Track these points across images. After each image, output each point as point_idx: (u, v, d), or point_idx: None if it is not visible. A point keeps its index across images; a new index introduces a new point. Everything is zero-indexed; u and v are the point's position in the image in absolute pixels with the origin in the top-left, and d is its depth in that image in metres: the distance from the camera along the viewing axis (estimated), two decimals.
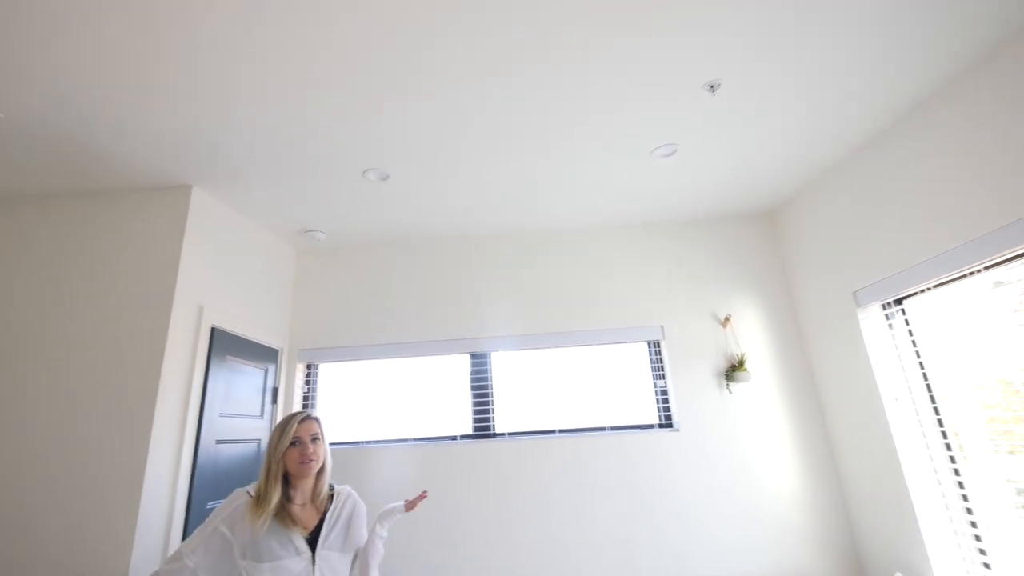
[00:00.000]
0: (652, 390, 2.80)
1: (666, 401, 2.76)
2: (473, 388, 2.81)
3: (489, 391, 2.80)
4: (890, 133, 2.14)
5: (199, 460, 2.05)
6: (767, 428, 2.65)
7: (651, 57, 1.64)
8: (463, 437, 2.73)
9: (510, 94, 1.77)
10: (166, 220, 2.14)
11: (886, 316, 2.32)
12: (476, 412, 2.77)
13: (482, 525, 2.54)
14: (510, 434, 2.73)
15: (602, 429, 2.72)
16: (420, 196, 2.45)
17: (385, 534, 1.60)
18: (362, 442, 2.74)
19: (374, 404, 2.83)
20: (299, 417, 1.56)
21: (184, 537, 1.93)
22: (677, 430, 2.66)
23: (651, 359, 2.85)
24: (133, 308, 2.02)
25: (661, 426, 2.72)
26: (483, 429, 2.74)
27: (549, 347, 2.84)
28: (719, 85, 1.79)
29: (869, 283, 2.29)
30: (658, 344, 2.86)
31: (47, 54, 1.48)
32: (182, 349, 2.05)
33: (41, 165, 2.00)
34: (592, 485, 2.58)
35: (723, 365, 2.75)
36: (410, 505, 1.65)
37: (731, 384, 2.71)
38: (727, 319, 2.79)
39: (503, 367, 2.85)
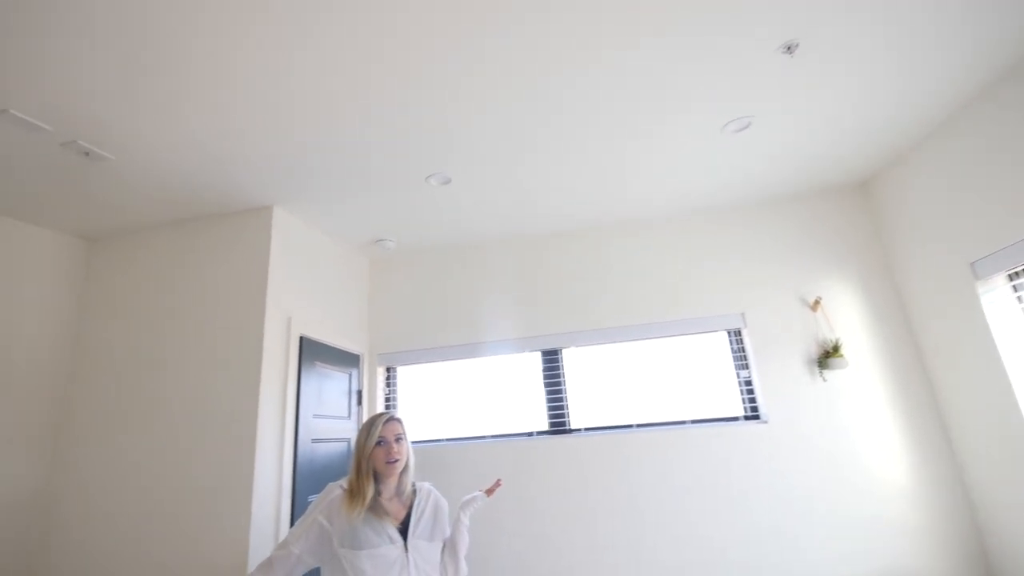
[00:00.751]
0: (735, 380, 2.65)
1: (751, 392, 2.60)
2: (546, 385, 2.81)
3: (562, 387, 2.78)
4: (1009, 80, 1.85)
5: (298, 458, 2.21)
6: (869, 418, 2.41)
7: (719, 21, 1.53)
8: (539, 433, 2.74)
9: (569, 91, 1.72)
10: (253, 240, 2.32)
11: (1014, 288, 2.02)
12: (551, 408, 2.76)
13: (562, 518, 2.54)
14: (586, 429, 2.70)
15: (682, 423, 2.61)
16: (482, 197, 2.46)
17: (468, 522, 1.72)
18: (441, 440, 2.83)
19: (451, 403, 2.91)
20: (383, 419, 1.67)
21: (291, 526, 2.10)
22: (765, 422, 2.50)
23: (732, 348, 2.69)
24: (231, 323, 2.22)
25: (747, 418, 2.57)
26: (558, 425, 2.73)
27: (622, 341, 2.77)
28: (796, 46, 1.63)
29: (990, 252, 2.01)
30: (739, 333, 2.69)
31: (152, 100, 1.64)
32: (276, 357, 2.22)
33: (142, 200, 2.23)
34: (674, 480, 2.49)
35: (815, 352, 2.54)
36: (489, 492, 1.77)
37: (825, 372, 2.49)
38: (817, 302, 2.57)
39: (576, 363, 2.82)
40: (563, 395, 2.77)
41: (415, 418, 2.94)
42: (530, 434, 2.75)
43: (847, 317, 2.55)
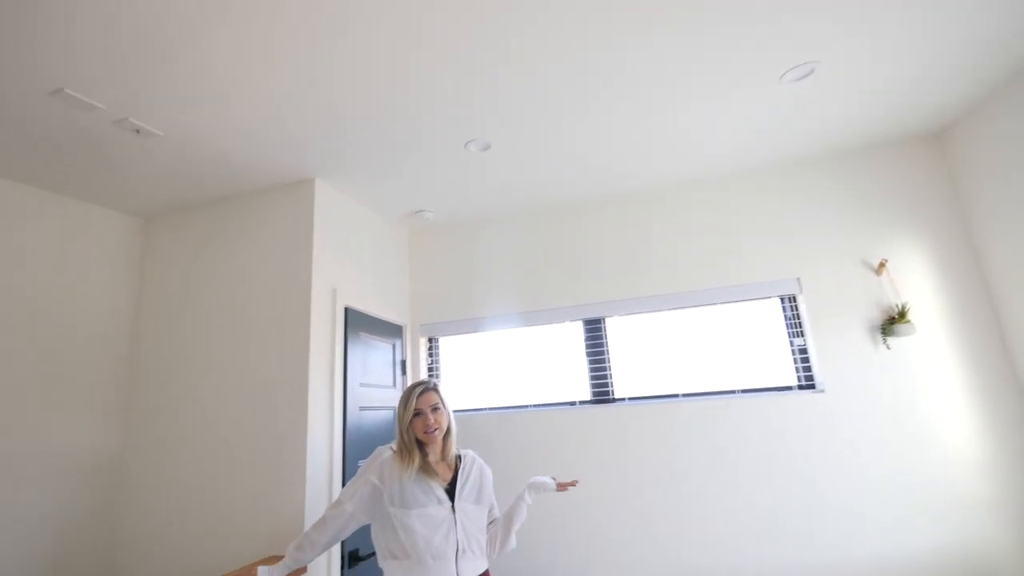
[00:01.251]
0: (789, 349, 2.52)
1: (806, 360, 2.47)
2: (589, 354, 2.76)
3: (606, 357, 2.73)
4: None
5: (347, 424, 2.28)
6: (938, 387, 2.25)
7: None
8: (582, 403, 2.71)
9: (626, 52, 1.62)
10: (297, 213, 2.35)
11: None
12: (593, 378, 2.73)
13: (604, 488, 2.52)
14: (630, 399, 2.65)
15: (731, 392, 2.52)
16: (521, 163, 2.39)
17: (530, 501, 1.73)
18: (484, 409, 2.85)
19: (493, 373, 2.92)
20: (418, 390, 1.70)
21: (342, 488, 2.17)
22: (821, 391, 2.38)
23: (786, 315, 2.56)
24: (279, 295, 2.27)
25: (801, 387, 2.45)
26: (602, 395, 2.70)
27: (668, 309, 2.68)
28: None
29: None
30: (794, 299, 2.55)
31: (194, 75, 1.66)
32: (323, 328, 2.27)
33: (190, 177, 2.29)
34: (722, 450, 2.42)
35: (878, 318, 2.37)
36: (561, 487, 1.74)
37: (889, 339, 2.33)
38: (882, 265, 2.39)
39: (619, 332, 2.76)
40: (606, 365, 2.72)
41: (457, 388, 2.97)
42: (572, 403, 2.73)
43: (916, 281, 2.36)
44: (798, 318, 2.52)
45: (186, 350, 2.38)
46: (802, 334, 2.50)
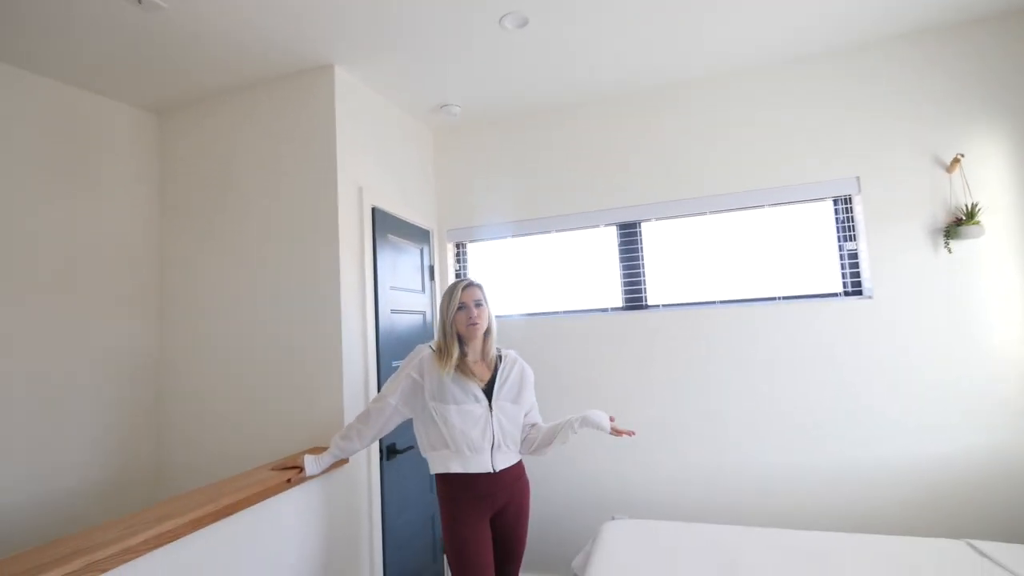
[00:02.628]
0: (836, 254, 2.36)
1: (855, 266, 2.32)
2: (623, 260, 2.64)
3: (640, 262, 2.60)
4: None
5: (380, 327, 2.25)
6: (997, 292, 2.10)
7: None
8: (614, 309, 2.63)
9: None
10: (317, 104, 2.15)
11: None
12: (627, 284, 2.62)
13: (636, 394, 2.51)
14: (664, 306, 2.56)
15: (772, 299, 2.41)
16: (559, 43, 2.12)
17: (579, 431, 1.67)
18: (513, 315, 2.80)
19: (523, 279, 2.83)
20: (463, 284, 1.69)
21: (378, 387, 2.19)
22: (869, 297, 2.25)
23: (838, 218, 2.36)
24: (306, 193, 2.14)
25: (847, 294, 2.32)
26: (635, 301, 2.60)
27: (708, 213, 2.50)
28: None
29: None
30: (849, 200, 2.34)
31: None
32: (351, 228, 2.16)
33: (202, 61, 2.07)
34: (759, 357, 2.35)
35: (942, 219, 2.18)
36: (616, 431, 1.66)
37: (951, 242, 2.15)
38: (956, 161, 2.15)
39: (655, 237, 2.61)
40: (640, 270, 2.60)
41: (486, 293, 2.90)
42: (604, 310, 2.65)
43: (992, 178, 2.13)
44: (851, 221, 2.33)
45: (215, 248, 2.30)
46: (854, 238, 2.32)
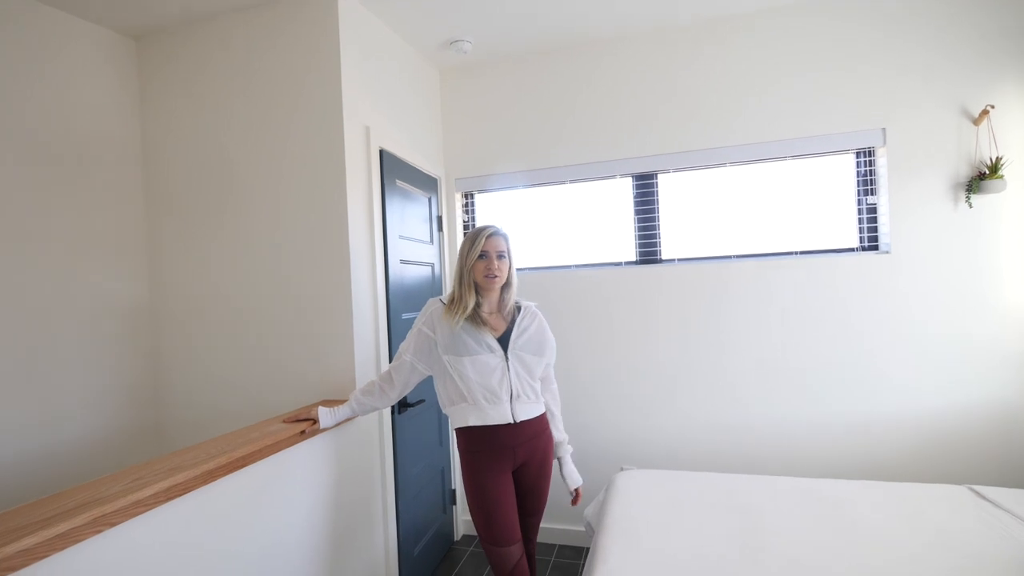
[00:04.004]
0: (855, 208, 2.29)
1: (873, 220, 2.25)
2: (638, 213, 2.52)
3: (656, 215, 2.49)
4: None
5: (390, 277, 2.10)
6: (1014, 248, 2.07)
7: None
8: (627, 263, 2.54)
9: None
10: (320, 31, 1.92)
11: None
12: (641, 238, 2.52)
13: (648, 346, 2.45)
14: (679, 260, 2.47)
15: (789, 254, 2.34)
16: None
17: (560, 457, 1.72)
18: (523, 268, 2.68)
19: (533, 232, 2.70)
20: (488, 232, 1.54)
21: (390, 341, 2.07)
22: (887, 252, 2.20)
23: (859, 171, 2.28)
24: (309, 129, 1.94)
25: (864, 249, 2.26)
26: (649, 255, 2.51)
27: (726, 164, 2.39)
28: None
29: None
30: (871, 153, 2.25)
31: None
32: (359, 171, 1.98)
33: None
34: (774, 313, 2.30)
35: (965, 173, 2.11)
36: (574, 501, 1.73)
37: (973, 196, 2.09)
38: (984, 112, 2.06)
39: (671, 190, 2.49)
40: (656, 224, 2.49)
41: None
42: (618, 264, 2.55)
43: (1019, 132, 2.06)
44: (872, 174, 2.25)
45: (209, 188, 2.09)
46: (874, 192, 2.25)
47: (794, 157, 2.31)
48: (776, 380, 2.30)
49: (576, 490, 1.71)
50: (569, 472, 1.72)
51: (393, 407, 2.08)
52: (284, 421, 1.63)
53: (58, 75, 1.94)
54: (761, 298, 2.32)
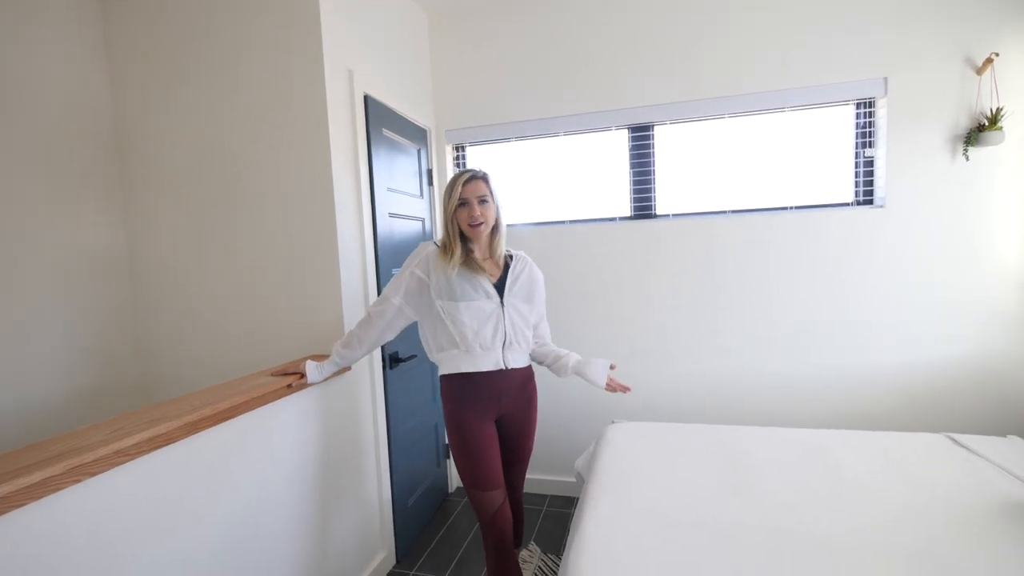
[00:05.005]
0: (852, 162, 2.23)
1: (869, 175, 2.20)
2: (633, 166, 2.43)
3: (651, 169, 2.41)
4: None
5: (378, 231, 2.01)
6: (1008, 203, 2.04)
7: None
8: (622, 219, 2.47)
9: None
10: None
11: None
12: (636, 193, 2.44)
13: (642, 302, 2.42)
14: (674, 215, 2.41)
15: (783, 209, 2.29)
16: None
17: (568, 375, 1.63)
18: (516, 224, 2.60)
19: (527, 186, 2.60)
20: (464, 178, 1.47)
21: (378, 295, 2.00)
22: (881, 207, 2.15)
23: (858, 123, 2.21)
24: (289, 72, 1.79)
25: (860, 203, 2.22)
26: (643, 210, 2.44)
27: (724, 116, 2.29)
28: None
29: None
30: (871, 104, 2.17)
31: None
32: (342, 116, 1.85)
33: None
34: (766, 268, 2.27)
35: (964, 125, 2.05)
36: (610, 387, 1.59)
37: (970, 149, 2.04)
38: (988, 61, 1.98)
39: (668, 141, 2.40)
40: (651, 178, 2.41)
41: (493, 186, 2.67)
42: (612, 219, 2.48)
43: (1022, 81, 1.99)
44: (871, 126, 2.18)
45: (183, 138, 1.95)
46: (872, 144, 2.19)
47: (793, 108, 2.22)
48: (767, 334, 2.29)
49: (609, 378, 1.58)
50: (593, 371, 1.56)
51: (384, 362, 2.03)
52: (272, 374, 1.58)
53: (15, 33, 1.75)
54: (754, 254, 2.28)
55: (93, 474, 1.03)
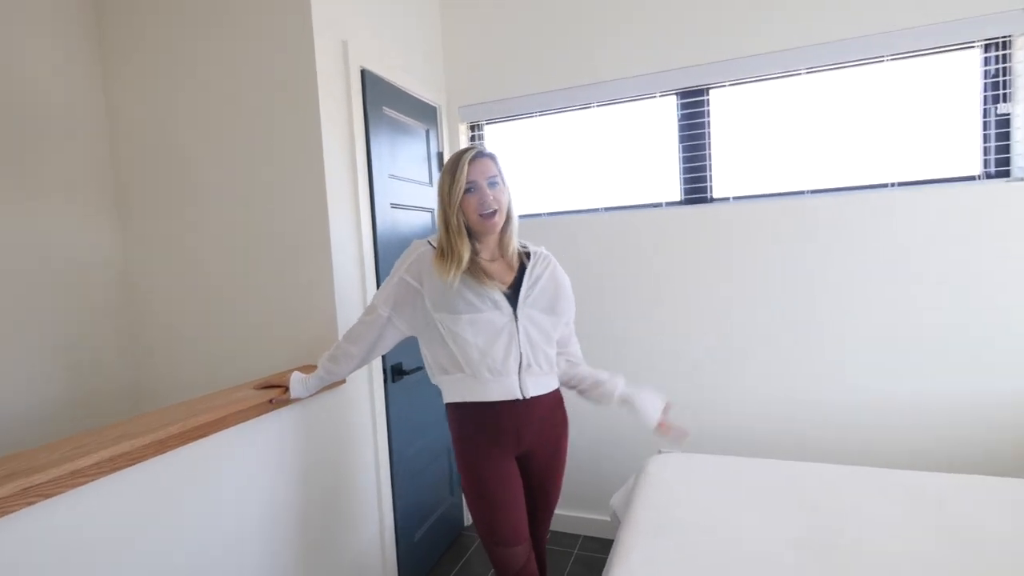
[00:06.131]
0: (979, 123, 1.98)
1: (1004, 138, 1.94)
2: (683, 140, 2.30)
3: (706, 142, 2.27)
4: None
5: (378, 224, 2.03)
6: None
7: None
8: (669, 204, 2.35)
9: None
10: None
11: None
12: (687, 172, 2.31)
13: (696, 312, 2.28)
14: (734, 199, 2.26)
15: (881, 186, 2.07)
16: None
17: (615, 408, 1.58)
18: (542, 214, 2.54)
19: (554, 169, 2.54)
20: (469, 155, 1.35)
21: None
22: (1019, 178, 1.90)
23: (986, 71, 1.95)
24: (272, 44, 1.85)
25: (990, 176, 1.97)
26: (697, 192, 2.30)
27: (801, 71, 2.11)
28: None
29: None
30: (1005, 45, 1.91)
31: None
32: (335, 95, 1.88)
33: None
34: (859, 263, 2.06)
35: None
36: (663, 429, 1.56)
37: None
38: None
39: (726, 108, 2.25)
40: (706, 152, 2.27)
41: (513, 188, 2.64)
42: (658, 205, 2.36)
43: None
44: (1006, 74, 1.92)
45: (171, 135, 2.06)
46: (1008, 98, 1.93)
47: (895, 57, 2.00)
48: (862, 348, 2.09)
49: (664, 408, 1.56)
50: (644, 405, 1.52)
51: (385, 374, 2.05)
52: (255, 387, 1.62)
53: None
54: (843, 245, 2.08)
55: (47, 496, 1.09)
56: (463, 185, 1.34)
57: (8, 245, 1.93)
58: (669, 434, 1.52)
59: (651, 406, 1.51)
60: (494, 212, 1.36)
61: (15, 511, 1.04)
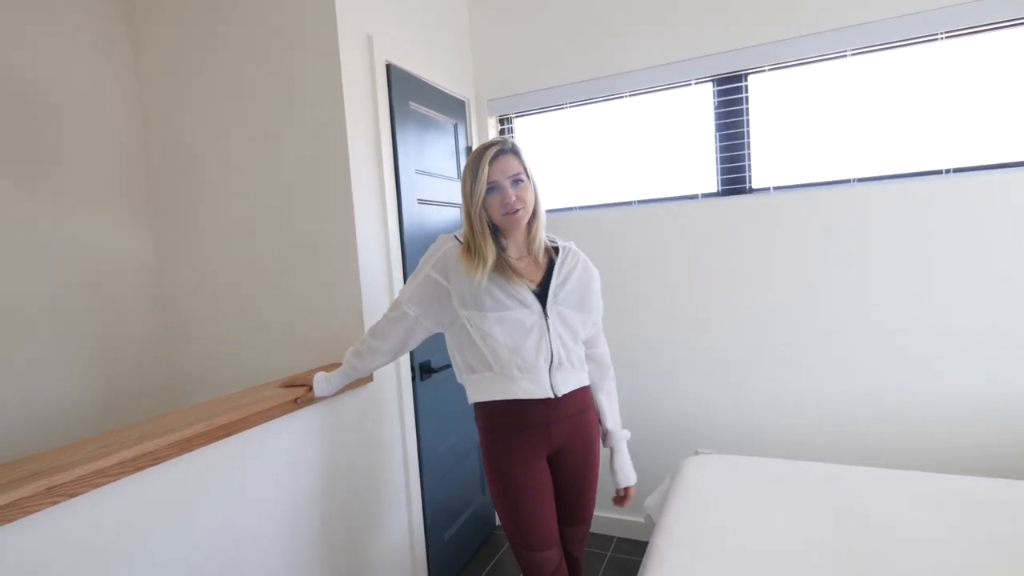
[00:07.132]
0: None
1: None
2: (719, 128, 2.16)
3: (744, 130, 2.11)
4: None
5: (404, 220, 1.96)
6: None
7: None
8: (705, 196, 2.20)
9: None
10: None
11: None
12: (724, 162, 2.16)
13: (734, 307, 2.14)
14: (775, 189, 2.10)
15: (936, 173, 1.89)
16: None
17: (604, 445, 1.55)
18: (574, 208, 2.43)
19: (586, 162, 2.42)
20: (491, 153, 1.28)
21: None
22: None
23: None
24: (295, 41, 1.79)
25: None
26: (735, 183, 2.15)
27: (847, 53, 1.94)
28: None
29: None
30: None
31: None
32: (360, 90, 1.81)
33: None
34: (912, 257, 1.89)
35: None
36: (619, 499, 1.58)
37: None
38: None
39: (765, 95, 2.09)
40: (745, 142, 2.12)
41: (540, 182, 2.54)
42: (694, 196, 2.22)
43: None
44: None
45: (199, 134, 2.03)
46: None
47: (950, 34, 1.81)
48: (914, 346, 1.91)
49: (625, 489, 1.54)
50: (621, 465, 1.53)
51: (413, 372, 1.98)
52: (280, 386, 1.58)
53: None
54: (894, 238, 1.90)
55: (71, 495, 1.05)
56: (484, 186, 1.28)
57: (47, 249, 1.93)
58: (620, 505, 1.57)
59: (627, 473, 1.55)
60: (517, 211, 1.30)
61: (38, 510, 1.00)
